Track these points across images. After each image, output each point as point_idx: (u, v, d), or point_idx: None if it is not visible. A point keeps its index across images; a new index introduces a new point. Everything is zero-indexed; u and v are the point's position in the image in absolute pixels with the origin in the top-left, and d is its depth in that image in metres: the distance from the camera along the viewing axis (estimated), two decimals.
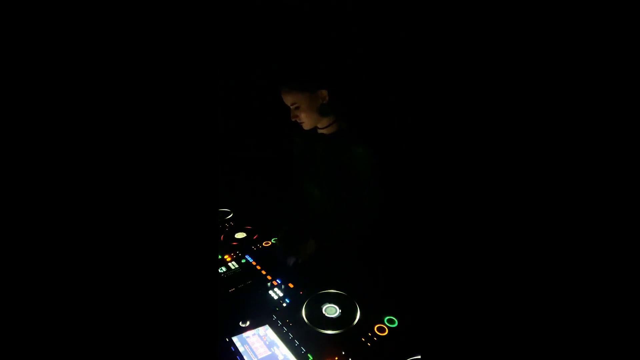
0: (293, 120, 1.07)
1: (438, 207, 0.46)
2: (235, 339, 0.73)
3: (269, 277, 0.95)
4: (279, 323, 0.78)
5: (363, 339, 0.72)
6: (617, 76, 0.36)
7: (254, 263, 1.03)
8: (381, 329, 0.75)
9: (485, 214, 0.42)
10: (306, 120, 1.06)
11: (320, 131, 1.13)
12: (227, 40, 1.50)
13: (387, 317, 0.77)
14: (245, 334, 0.74)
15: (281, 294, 0.88)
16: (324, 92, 1.03)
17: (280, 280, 0.93)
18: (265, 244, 1.14)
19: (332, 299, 0.84)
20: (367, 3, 1.19)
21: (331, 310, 0.80)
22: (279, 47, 1.43)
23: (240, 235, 1.19)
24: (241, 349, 0.71)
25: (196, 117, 0.48)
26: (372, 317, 0.78)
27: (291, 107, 1.05)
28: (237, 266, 1.01)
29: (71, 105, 0.41)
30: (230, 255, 1.06)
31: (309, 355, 0.69)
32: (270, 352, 0.70)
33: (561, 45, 0.38)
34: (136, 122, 0.44)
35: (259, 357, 0.69)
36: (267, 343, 0.72)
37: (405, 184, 1.06)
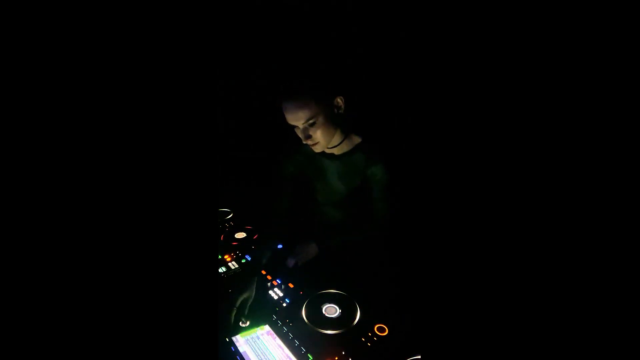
0: (306, 142, 0.87)
1: (438, 207, 0.46)
2: (235, 339, 0.73)
3: (269, 277, 0.95)
4: (279, 323, 0.78)
5: (363, 339, 0.72)
6: (617, 76, 0.36)
7: None
8: (381, 329, 0.75)
9: (485, 213, 0.42)
10: (322, 139, 0.86)
11: (329, 151, 0.96)
12: (227, 40, 1.50)
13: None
14: (245, 334, 0.74)
15: (281, 294, 0.88)
16: (340, 100, 0.86)
17: (280, 280, 0.93)
18: None
19: (332, 299, 0.84)
20: (367, 3, 1.19)
21: (331, 310, 0.80)
22: (279, 47, 1.43)
23: (240, 235, 1.19)
24: (241, 349, 0.71)
25: (196, 117, 0.48)
26: (371, 317, 0.78)
27: (302, 125, 0.84)
28: (237, 266, 1.01)
29: (71, 106, 0.41)
30: (230, 255, 1.06)
31: (309, 355, 0.69)
32: (270, 352, 0.70)
33: (561, 46, 0.38)
34: (136, 122, 0.44)
35: (260, 357, 0.69)
36: (267, 343, 0.72)
37: (405, 183, 1.05)
